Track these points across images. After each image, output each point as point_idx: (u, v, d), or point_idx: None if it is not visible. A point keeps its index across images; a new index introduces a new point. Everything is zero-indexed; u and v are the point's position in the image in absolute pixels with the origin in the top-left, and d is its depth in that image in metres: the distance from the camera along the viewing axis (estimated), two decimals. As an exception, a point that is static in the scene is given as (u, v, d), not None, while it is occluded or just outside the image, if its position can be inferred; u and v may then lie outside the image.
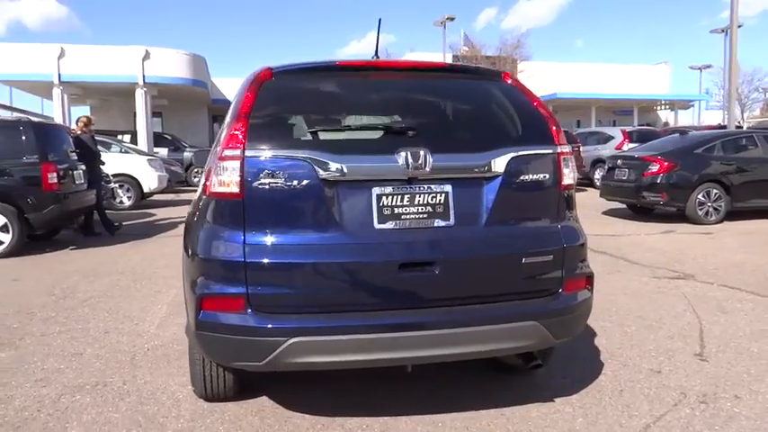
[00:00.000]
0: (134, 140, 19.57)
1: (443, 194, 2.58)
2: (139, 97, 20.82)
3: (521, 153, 2.66)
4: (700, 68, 39.79)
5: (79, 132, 9.41)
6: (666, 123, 34.49)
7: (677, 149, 10.35)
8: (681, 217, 9.94)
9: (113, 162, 12.57)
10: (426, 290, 2.53)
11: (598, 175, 15.03)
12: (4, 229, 7.64)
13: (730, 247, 7.70)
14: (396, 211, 2.54)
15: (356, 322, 2.45)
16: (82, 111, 27.05)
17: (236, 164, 2.46)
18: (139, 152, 15.72)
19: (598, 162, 15.85)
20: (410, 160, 2.50)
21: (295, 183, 2.46)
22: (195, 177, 17.59)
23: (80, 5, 78.49)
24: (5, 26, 75.55)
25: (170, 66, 21.15)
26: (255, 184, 2.46)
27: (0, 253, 7.62)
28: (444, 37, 34.42)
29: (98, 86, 21.49)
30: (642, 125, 26.86)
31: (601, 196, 11.20)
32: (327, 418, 2.99)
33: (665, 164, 9.84)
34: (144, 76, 20.59)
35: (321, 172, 2.47)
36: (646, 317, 4.68)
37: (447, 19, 34.03)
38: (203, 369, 2.94)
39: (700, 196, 9.64)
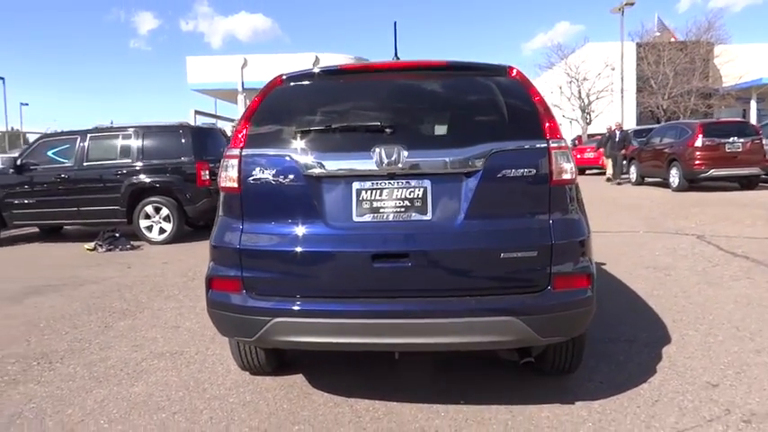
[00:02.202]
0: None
1: (422, 189, 2.66)
2: (311, 100, 22.46)
3: (503, 148, 2.64)
4: None
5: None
6: None
7: None
8: None
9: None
10: (401, 280, 2.63)
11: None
12: (167, 219, 8.89)
13: None
14: (374, 204, 2.67)
15: (334, 307, 2.64)
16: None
17: (236, 162, 2.78)
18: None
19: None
20: (383, 157, 2.63)
21: (282, 178, 2.72)
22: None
23: (282, 17, 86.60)
24: (221, 39, 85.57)
25: (337, 69, 22.49)
26: (250, 179, 2.75)
27: (163, 239, 8.88)
28: (622, 24, 32.33)
29: (276, 92, 23.52)
30: None
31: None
32: (341, 398, 3.20)
33: None
34: (314, 81, 22.18)
35: (305, 168, 2.70)
36: (744, 328, 4.20)
37: (625, 5, 31.90)
38: (238, 343, 3.30)
39: None
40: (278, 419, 2.98)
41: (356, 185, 2.69)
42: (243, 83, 22.10)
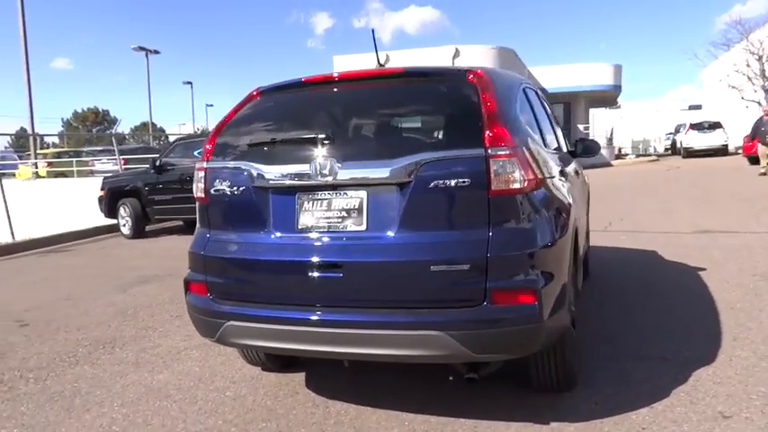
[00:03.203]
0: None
1: (358, 201, 2.66)
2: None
3: (435, 158, 2.54)
4: None
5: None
6: None
7: None
8: None
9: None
10: (336, 290, 2.65)
11: None
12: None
13: None
14: (315, 215, 2.73)
15: (276, 314, 2.73)
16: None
17: (202, 174, 2.99)
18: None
19: None
20: (318, 169, 2.67)
21: (236, 189, 2.87)
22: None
23: (451, 8, 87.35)
24: (390, 34, 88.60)
25: (477, 61, 22.20)
26: (212, 190, 2.95)
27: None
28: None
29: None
30: None
31: None
32: (323, 399, 3.30)
33: None
34: (454, 73, 22.13)
35: (254, 180, 2.83)
36: (818, 351, 3.62)
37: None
38: (239, 340, 3.53)
39: None
40: (253, 415, 3.16)
41: (300, 196, 2.77)
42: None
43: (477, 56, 22.49)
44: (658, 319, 4.44)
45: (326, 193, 2.72)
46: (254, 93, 3.15)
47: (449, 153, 2.56)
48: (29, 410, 3.42)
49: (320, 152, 2.71)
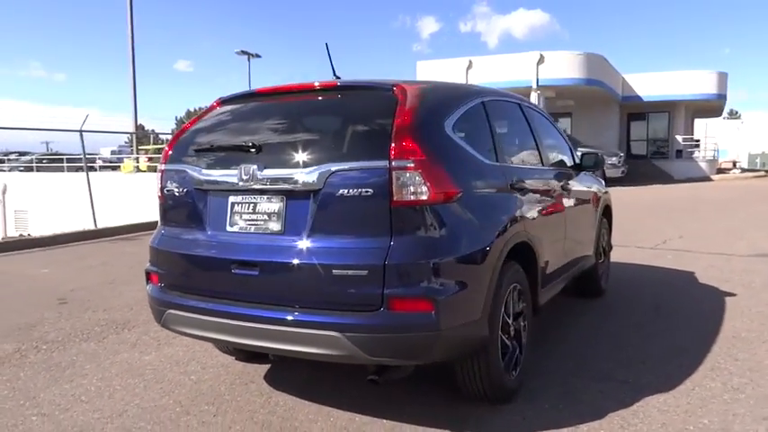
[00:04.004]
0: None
1: (279, 205, 2.84)
2: (533, 99, 22.00)
3: (342, 168, 2.67)
4: None
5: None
6: None
7: None
8: None
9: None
10: (253, 287, 2.84)
11: None
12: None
13: None
14: (243, 216, 2.94)
15: (204, 305, 2.96)
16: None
17: (160, 175, 3.28)
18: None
19: None
20: (242, 174, 2.88)
21: (182, 190, 3.15)
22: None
23: (561, 12, 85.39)
24: (497, 38, 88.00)
25: (562, 67, 21.74)
26: (165, 190, 3.23)
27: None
28: None
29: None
30: None
31: None
32: (271, 389, 3.51)
33: None
34: (537, 80, 21.73)
35: (195, 182, 3.08)
36: (794, 388, 3.40)
37: None
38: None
39: None
40: (202, 398, 3.41)
41: (231, 199, 2.99)
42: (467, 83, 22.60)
43: (562, 62, 21.94)
44: (648, 341, 4.29)
45: (253, 196, 2.93)
46: (215, 103, 3.41)
47: (357, 164, 2.69)
48: (25, 376, 3.86)
49: (246, 159, 2.92)
